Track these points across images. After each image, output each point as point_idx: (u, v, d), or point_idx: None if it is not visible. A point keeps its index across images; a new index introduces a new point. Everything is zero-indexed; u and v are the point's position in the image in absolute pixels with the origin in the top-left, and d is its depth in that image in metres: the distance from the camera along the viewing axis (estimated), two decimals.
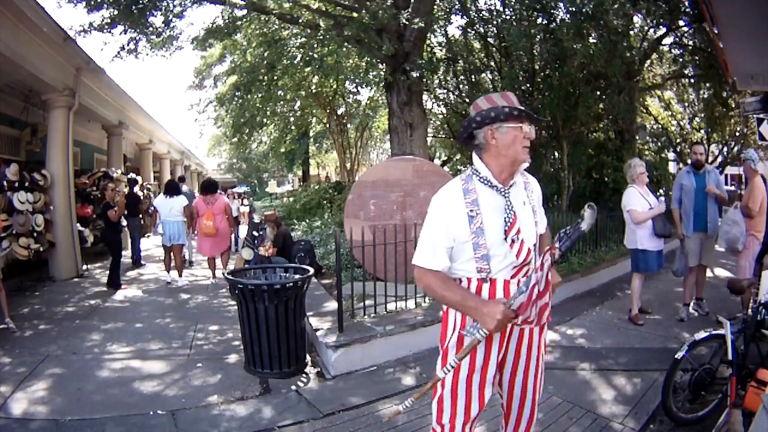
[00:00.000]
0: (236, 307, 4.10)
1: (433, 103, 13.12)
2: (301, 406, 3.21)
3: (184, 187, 8.90)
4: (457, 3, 9.91)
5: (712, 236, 4.70)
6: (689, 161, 5.19)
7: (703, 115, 13.57)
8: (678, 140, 13.70)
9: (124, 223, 8.37)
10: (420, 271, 1.68)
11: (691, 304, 4.89)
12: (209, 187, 6.90)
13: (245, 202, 15.41)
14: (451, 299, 1.65)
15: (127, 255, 9.52)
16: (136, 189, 9.13)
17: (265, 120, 13.59)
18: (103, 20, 6.83)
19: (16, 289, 6.24)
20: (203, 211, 6.66)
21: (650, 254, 4.66)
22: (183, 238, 6.96)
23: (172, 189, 7.02)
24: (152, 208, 8.34)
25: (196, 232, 7.15)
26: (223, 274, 6.73)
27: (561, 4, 8.16)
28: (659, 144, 13.57)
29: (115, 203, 6.67)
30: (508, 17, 9.38)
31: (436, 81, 11.26)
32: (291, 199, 17.19)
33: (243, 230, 9.01)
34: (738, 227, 4.42)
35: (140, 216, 8.59)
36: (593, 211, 1.64)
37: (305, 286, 3.78)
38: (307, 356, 3.94)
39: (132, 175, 10.28)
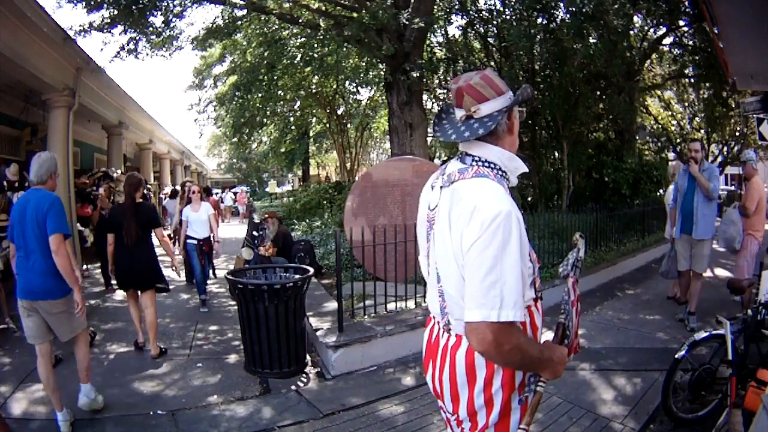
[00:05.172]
0: (236, 307, 4.10)
1: (433, 103, 13.11)
2: (301, 406, 3.21)
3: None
4: (457, 3, 9.91)
5: (700, 240, 4.34)
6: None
7: (703, 115, 13.59)
8: (678, 140, 13.72)
9: None
10: (507, 331, 1.13)
11: (682, 314, 4.64)
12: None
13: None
14: (532, 357, 1.21)
15: None
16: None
17: (265, 120, 13.62)
18: (103, 20, 6.83)
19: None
20: None
21: None
22: None
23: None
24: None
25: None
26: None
27: (561, 4, 8.17)
28: (659, 144, 13.61)
29: (113, 202, 6.79)
30: (508, 17, 9.39)
31: (436, 81, 11.25)
32: (291, 199, 17.18)
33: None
34: (735, 227, 4.44)
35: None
36: (584, 239, 1.56)
37: (305, 286, 3.78)
38: (307, 356, 3.94)
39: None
